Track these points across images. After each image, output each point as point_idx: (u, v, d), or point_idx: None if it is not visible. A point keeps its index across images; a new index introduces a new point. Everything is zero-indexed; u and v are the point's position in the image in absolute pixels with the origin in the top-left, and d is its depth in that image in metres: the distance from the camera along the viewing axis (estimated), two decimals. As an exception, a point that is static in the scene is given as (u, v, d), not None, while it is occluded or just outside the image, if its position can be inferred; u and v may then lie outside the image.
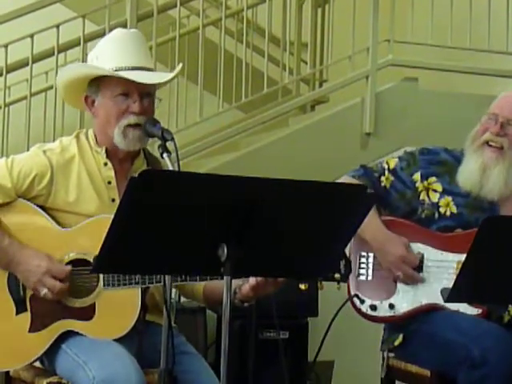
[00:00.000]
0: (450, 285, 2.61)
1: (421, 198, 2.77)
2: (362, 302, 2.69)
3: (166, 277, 2.21)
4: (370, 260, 2.74)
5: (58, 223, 2.39)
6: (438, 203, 2.75)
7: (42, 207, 2.41)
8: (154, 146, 2.50)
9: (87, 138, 2.47)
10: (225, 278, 1.95)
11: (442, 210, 2.75)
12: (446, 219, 2.74)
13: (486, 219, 2.08)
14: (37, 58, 4.41)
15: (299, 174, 4.05)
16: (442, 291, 2.66)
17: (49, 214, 2.40)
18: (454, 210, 2.74)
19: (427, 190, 2.77)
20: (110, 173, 2.43)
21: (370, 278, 2.72)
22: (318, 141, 4.46)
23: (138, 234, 1.88)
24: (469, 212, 2.73)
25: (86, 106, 2.46)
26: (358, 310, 2.71)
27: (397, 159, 2.83)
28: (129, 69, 2.40)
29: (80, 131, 2.50)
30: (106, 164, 2.44)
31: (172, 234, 1.91)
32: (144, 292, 2.35)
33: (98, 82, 2.41)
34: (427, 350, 2.65)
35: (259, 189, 1.91)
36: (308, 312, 3.91)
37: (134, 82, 2.40)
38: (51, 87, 4.51)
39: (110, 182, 2.43)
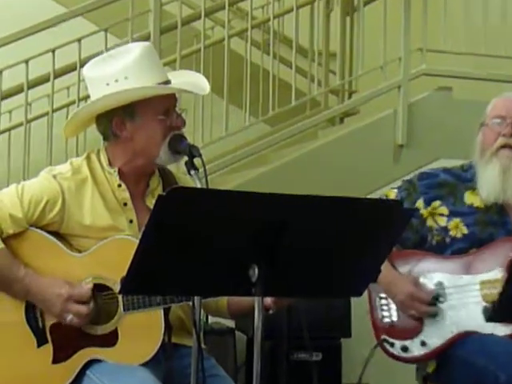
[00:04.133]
0: (479, 307, 2.60)
1: (428, 224, 2.75)
2: (392, 345, 2.67)
3: (195, 298, 2.20)
4: (391, 300, 2.73)
5: (74, 248, 2.39)
6: (447, 227, 2.73)
7: (57, 233, 2.40)
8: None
9: (99, 158, 2.46)
10: (256, 298, 1.95)
11: (452, 233, 2.72)
12: (458, 241, 2.71)
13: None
14: (58, 73, 4.45)
15: (330, 188, 4.04)
16: (484, 311, 2.64)
17: (64, 240, 2.40)
18: (465, 230, 2.71)
19: (433, 215, 2.75)
20: (125, 194, 2.42)
21: (394, 318, 2.71)
22: (348, 154, 4.44)
23: (167, 254, 1.89)
24: (480, 230, 2.70)
25: (117, 129, 2.40)
26: (390, 354, 2.69)
27: (396, 190, 2.81)
28: (163, 84, 2.39)
29: (91, 151, 2.48)
30: (119, 185, 2.43)
31: (201, 253, 1.91)
32: (166, 312, 2.35)
33: (133, 104, 2.38)
34: (460, 376, 2.62)
35: (289, 206, 1.91)
36: (341, 333, 3.89)
37: (171, 97, 2.40)
38: (73, 102, 4.55)
39: (125, 204, 2.42)
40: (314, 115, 4.76)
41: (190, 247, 1.89)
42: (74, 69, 4.37)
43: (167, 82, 2.42)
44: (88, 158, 2.46)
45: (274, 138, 4.59)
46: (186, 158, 2.35)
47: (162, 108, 2.39)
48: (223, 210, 1.87)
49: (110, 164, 2.45)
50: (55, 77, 4.38)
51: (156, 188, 2.47)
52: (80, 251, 2.39)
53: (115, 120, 2.40)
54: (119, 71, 2.37)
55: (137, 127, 2.39)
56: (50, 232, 2.40)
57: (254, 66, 4.71)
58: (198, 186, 2.26)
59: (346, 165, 4.39)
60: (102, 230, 2.38)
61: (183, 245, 1.89)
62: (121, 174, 2.44)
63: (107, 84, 2.37)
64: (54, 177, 2.41)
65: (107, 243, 2.35)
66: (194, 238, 1.89)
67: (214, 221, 1.88)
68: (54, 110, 4.41)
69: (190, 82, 2.49)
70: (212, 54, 4.85)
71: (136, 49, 2.40)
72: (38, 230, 2.39)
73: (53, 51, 4.31)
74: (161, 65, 2.47)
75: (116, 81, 2.36)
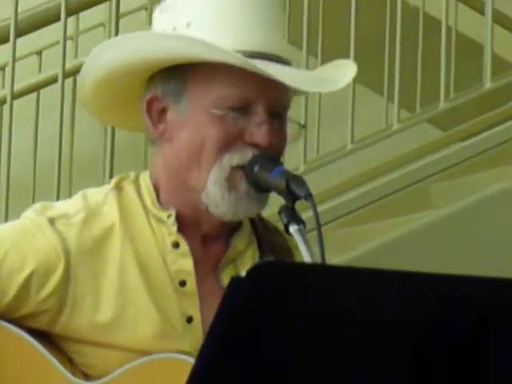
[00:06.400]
0: None
1: None
2: None
3: None
4: None
5: (77, 369, 2.47)
6: None
7: (44, 335, 2.48)
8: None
9: (138, 190, 2.54)
10: None
11: None
12: None
13: None
14: (24, 28, 4.54)
15: None
16: None
17: (60, 351, 2.47)
18: None
19: None
20: (185, 263, 2.52)
21: None
22: None
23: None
24: None
25: (149, 119, 2.52)
26: None
27: None
28: (253, 56, 2.46)
29: (124, 177, 2.56)
30: (176, 245, 2.52)
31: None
32: None
33: (184, 75, 2.49)
34: None
35: (489, 298, 1.97)
36: None
37: (260, 85, 2.46)
38: (51, 81, 4.68)
39: (183, 283, 2.51)
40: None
41: (290, 377, 1.95)
42: (56, 19, 4.49)
43: (273, 59, 2.49)
44: (118, 189, 2.55)
45: (450, 156, 4.65)
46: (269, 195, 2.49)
47: (234, 96, 2.47)
48: (362, 305, 1.94)
49: (160, 201, 2.54)
50: (18, 34, 4.47)
51: (244, 252, 2.57)
52: (88, 375, 2.46)
53: (150, 95, 2.51)
54: (180, 16, 2.50)
55: (180, 120, 2.51)
56: (33, 332, 2.47)
57: (406, 10, 4.78)
58: (306, 256, 2.32)
59: None
60: (135, 334, 2.45)
61: (277, 372, 1.94)
62: (180, 220, 2.52)
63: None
64: (52, 222, 2.49)
65: (142, 366, 2.43)
66: (298, 360, 1.94)
67: (336, 326, 1.94)
68: (14, 97, 4.52)
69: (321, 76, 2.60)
70: None
71: None
72: (14, 328, 2.46)
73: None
74: (270, 24, 2.53)
75: (174, 29, 2.51)
